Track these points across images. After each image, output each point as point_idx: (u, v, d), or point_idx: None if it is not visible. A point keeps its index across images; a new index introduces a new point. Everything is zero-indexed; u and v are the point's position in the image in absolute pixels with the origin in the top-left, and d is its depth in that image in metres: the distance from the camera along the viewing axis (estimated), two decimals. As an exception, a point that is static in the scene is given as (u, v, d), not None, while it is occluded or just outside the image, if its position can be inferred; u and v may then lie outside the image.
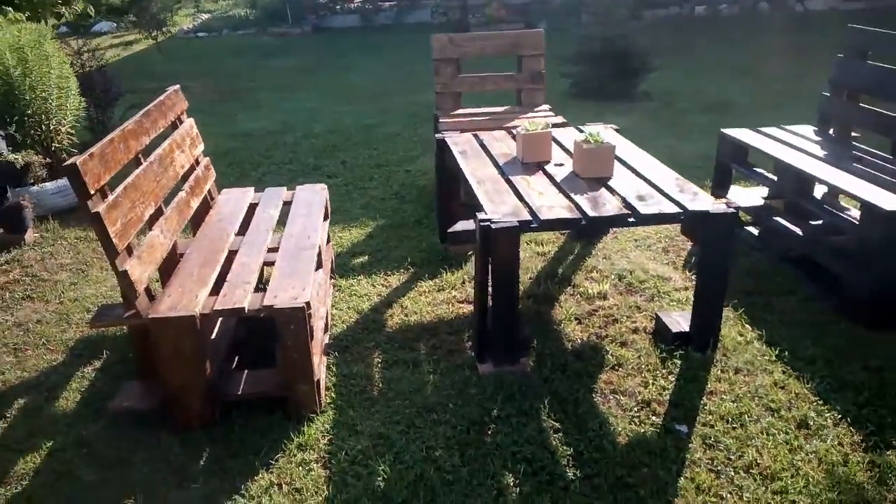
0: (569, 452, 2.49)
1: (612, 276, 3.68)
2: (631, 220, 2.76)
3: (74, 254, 4.39)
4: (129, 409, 2.73)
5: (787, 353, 2.94)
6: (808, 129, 4.23)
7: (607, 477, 2.36)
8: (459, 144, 3.78)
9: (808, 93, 7.82)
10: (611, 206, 2.81)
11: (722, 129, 4.26)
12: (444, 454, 2.53)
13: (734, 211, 2.75)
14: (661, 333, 3.08)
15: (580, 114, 6.07)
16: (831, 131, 4.16)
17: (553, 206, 2.84)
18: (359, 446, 2.60)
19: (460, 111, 5.06)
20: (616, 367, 2.94)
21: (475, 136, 3.96)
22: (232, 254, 3.14)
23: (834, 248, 3.37)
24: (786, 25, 12.29)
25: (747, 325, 3.16)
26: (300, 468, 2.52)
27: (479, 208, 2.86)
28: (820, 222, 3.63)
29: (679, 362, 2.92)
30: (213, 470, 2.53)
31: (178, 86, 3.69)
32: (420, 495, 2.35)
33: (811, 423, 2.54)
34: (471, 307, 3.52)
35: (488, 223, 2.67)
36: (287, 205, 3.72)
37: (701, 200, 2.84)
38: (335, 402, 2.87)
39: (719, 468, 2.37)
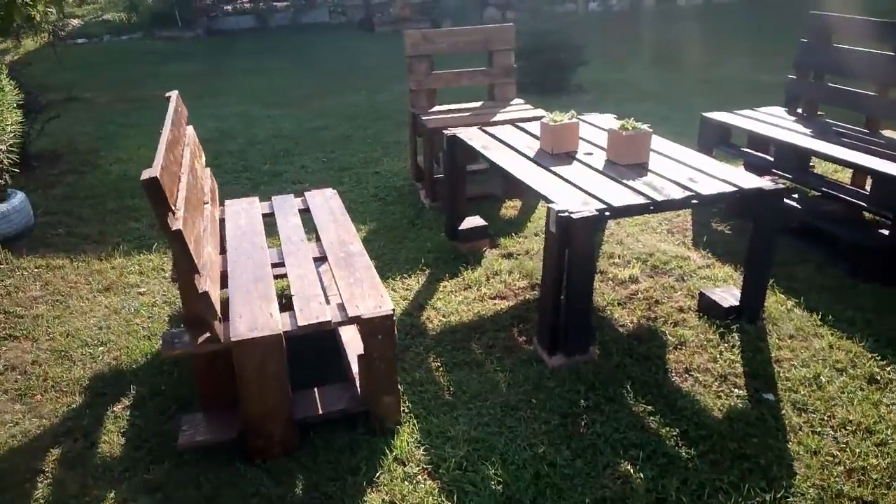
0: (674, 433, 2.53)
1: (634, 261, 3.78)
2: (694, 201, 2.84)
3: (42, 284, 3.94)
4: (202, 444, 2.49)
5: (829, 316, 3.15)
6: (779, 110, 4.53)
7: (723, 452, 2.42)
8: (475, 140, 3.74)
9: (722, 79, 8.44)
10: (672, 190, 2.88)
11: (703, 114, 4.48)
12: (550, 449, 2.50)
13: (784, 187, 2.91)
14: (709, 309, 3.20)
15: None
16: (799, 110, 4.48)
17: (616, 193, 2.88)
18: (460, 452, 2.51)
19: (438, 108, 5.00)
20: (679, 347, 3.02)
21: (483, 130, 3.93)
22: (274, 266, 2.94)
23: (840, 217, 3.64)
24: (676, 19, 13.09)
25: (781, 295, 3.35)
26: (407, 483, 2.40)
27: (546, 200, 2.84)
28: (813, 194, 3.91)
29: (736, 335, 3.04)
30: (314, 497, 2.36)
31: (176, 91, 3.40)
32: (546, 493, 2.31)
33: (879, 379, 2.74)
34: (505, 303, 3.50)
35: (567, 214, 2.66)
36: (304, 212, 3.53)
37: (748, 179, 2.97)
38: (411, 410, 2.76)
39: (818, 429, 2.50)
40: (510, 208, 4.74)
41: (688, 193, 2.84)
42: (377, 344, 2.51)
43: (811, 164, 4.52)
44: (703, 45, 10.45)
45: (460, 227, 4.04)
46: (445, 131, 3.93)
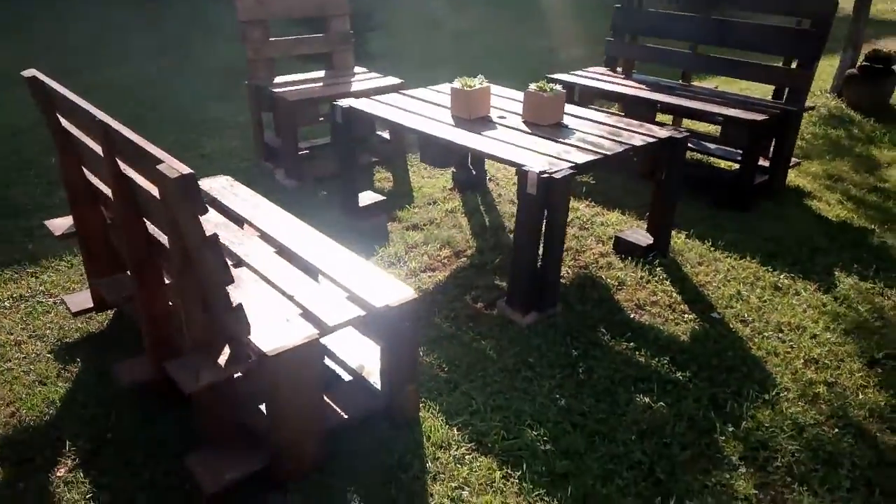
0: (665, 362, 2.81)
1: (535, 216, 3.99)
2: (631, 152, 3.11)
3: None
4: (233, 482, 2.11)
5: (719, 242, 3.69)
6: (601, 69, 5.06)
7: (710, 368, 2.76)
8: (378, 109, 3.58)
9: (500, 46, 9.05)
10: (609, 144, 3.11)
11: (547, 75, 4.81)
12: (571, 400, 2.61)
13: (688, 135, 3.32)
14: (627, 250, 3.53)
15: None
16: (619, 69, 5.06)
17: (566, 151, 3.02)
18: (494, 424, 2.50)
19: (283, 79, 4.64)
20: (620, 287, 3.31)
21: (374, 100, 3.77)
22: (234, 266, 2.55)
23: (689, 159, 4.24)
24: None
25: (671, 230, 3.83)
26: (462, 466, 2.33)
27: (512, 164, 2.87)
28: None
29: (659, 270, 3.43)
30: (378, 506, 2.18)
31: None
32: (595, 439, 2.42)
33: (781, 286, 3.32)
34: (439, 274, 3.48)
35: (548, 175, 2.74)
36: (210, 204, 3.07)
37: (657, 130, 3.33)
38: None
39: (766, 334, 2.98)
40: (384, 180, 4.63)
41: (626, 146, 3.09)
42: (405, 332, 2.35)
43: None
44: (467, 14, 11.04)
45: (361, 204, 3.86)
46: (338, 103, 3.68)
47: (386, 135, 4.81)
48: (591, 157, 2.95)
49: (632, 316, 3.11)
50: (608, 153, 3.00)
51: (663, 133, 3.27)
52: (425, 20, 10.43)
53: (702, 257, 3.56)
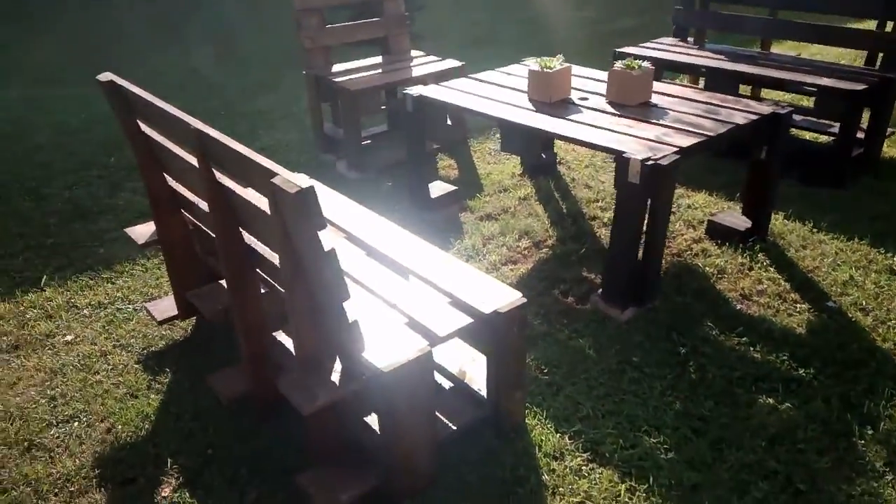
0: (784, 358, 2.61)
1: (616, 201, 3.80)
2: (735, 132, 2.89)
3: None
4: (354, 499, 2.01)
5: (820, 223, 3.46)
6: (671, 40, 4.80)
7: (836, 364, 2.56)
8: (450, 96, 3.40)
9: (537, 18, 8.76)
10: (710, 124, 2.90)
11: (616, 49, 4.57)
12: (687, 403, 2.45)
13: (792, 109, 3.08)
14: (723, 235, 3.33)
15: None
16: (690, 39, 4.79)
17: (666, 133, 2.82)
18: (608, 431, 2.35)
19: (344, 66, 4.49)
20: (721, 276, 3.12)
21: (445, 86, 3.60)
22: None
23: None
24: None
25: (765, 211, 3.60)
26: (580, 478, 2.19)
27: (612, 152, 2.69)
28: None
29: (761, 255, 3.22)
30: (499, 525, 2.05)
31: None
32: (722, 447, 2.26)
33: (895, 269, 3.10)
34: (522, 266, 3.32)
35: (653, 162, 2.55)
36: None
37: (756, 106, 3.10)
38: (521, 400, 2.51)
39: (889, 324, 2.76)
40: (448, 168, 4.47)
41: (729, 125, 2.88)
42: (513, 337, 2.20)
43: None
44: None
45: (434, 196, 3.71)
46: (408, 91, 3.52)
47: (447, 120, 4.64)
48: (694, 140, 2.75)
49: (738, 307, 2.92)
50: (711, 134, 2.80)
51: (765, 109, 3.04)
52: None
53: (805, 240, 3.34)
